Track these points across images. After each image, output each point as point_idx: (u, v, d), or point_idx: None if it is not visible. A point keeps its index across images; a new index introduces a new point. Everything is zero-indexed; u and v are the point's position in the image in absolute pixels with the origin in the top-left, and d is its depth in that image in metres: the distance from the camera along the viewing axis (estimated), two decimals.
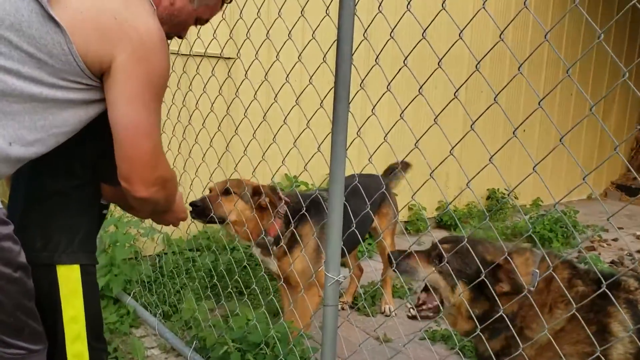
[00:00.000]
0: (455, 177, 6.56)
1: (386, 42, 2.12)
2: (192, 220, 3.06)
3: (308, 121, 2.33)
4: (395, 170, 4.12)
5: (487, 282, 1.96)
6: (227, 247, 4.27)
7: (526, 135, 7.20)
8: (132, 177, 1.66)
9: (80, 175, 1.85)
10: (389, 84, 2.03)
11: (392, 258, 2.28)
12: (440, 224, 6.59)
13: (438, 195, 6.60)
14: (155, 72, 1.61)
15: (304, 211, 2.79)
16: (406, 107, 2.02)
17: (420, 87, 1.93)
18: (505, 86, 1.97)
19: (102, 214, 2.02)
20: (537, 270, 2.05)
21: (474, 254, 1.98)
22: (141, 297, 3.87)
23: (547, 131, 7.53)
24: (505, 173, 6.82)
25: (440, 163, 2.08)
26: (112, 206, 4.06)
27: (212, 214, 3.03)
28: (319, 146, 2.26)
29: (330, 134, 2.09)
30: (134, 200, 1.76)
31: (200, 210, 3.04)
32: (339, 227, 2.14)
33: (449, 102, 1.84)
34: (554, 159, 7.57)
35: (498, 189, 7.04)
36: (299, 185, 5.25)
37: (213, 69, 3.14)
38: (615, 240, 6.37)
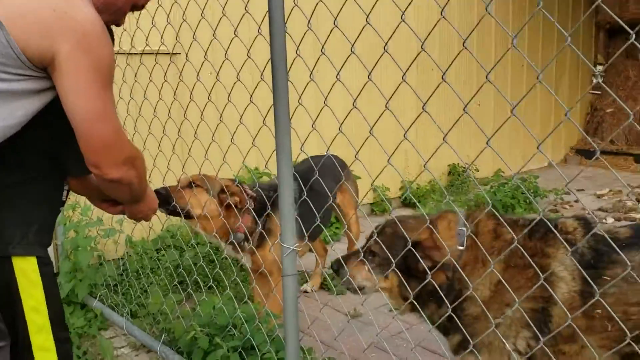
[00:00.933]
0: (415, 155, 6.62)
1: (317, 59, 2.14)
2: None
3: (251, 95, 2.34)
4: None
5: (411, 264, 2.04)
6: (193, 242, 4.24)
7: (482, 109, 7.31)
8: (101, 163, 1.69)
9: (36, 167, 1.82)
10: (338, 73, 2.03)
11: (334, 271, 2.36)
12: (405, 202, 6.65)
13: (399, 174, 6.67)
14: (101, 60, 1.63)
15: (269, 206, 2.77)
16: (357, 96, 2.01)
17: (370, 74, 1.94)
18: (452, 63, 2.00)
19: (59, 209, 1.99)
20: (463, 229, 2.07)
21: (395, 238, 2.02)
22: (108, 299, 3.82)
23: (503, 104, 7.67)
24: (466, 147, 7.00)
25: (395, 149, 2.08)
26: (69, 211, 4.03)
27: (174, 203, 2.99)
28: (264, 119, 2.26)
29: (273, 107, 2.10)
30: (108, 185, 1.77)
31: (163, 198, 2.99)
32: (290, 197, 2.15)
33: (398, 86, 1.85)
34: (512, 129, 7.70)
35: (458, 164, 7.14)
36: (261, 177, 5.24)
37: (154, 67, 3.09)
38: (577, 201, 6.51)
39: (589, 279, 1.69)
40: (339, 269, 2.31)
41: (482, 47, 7.35)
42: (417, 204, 2.33)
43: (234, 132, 2.47)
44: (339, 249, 5.00)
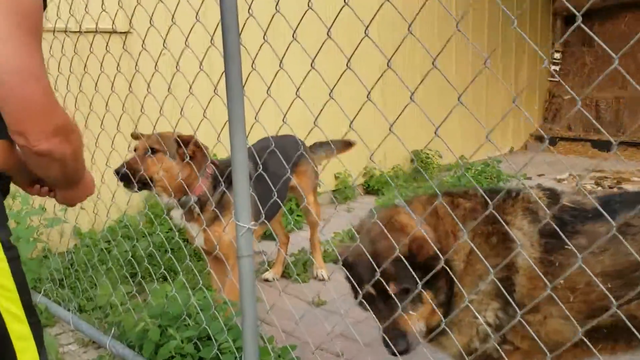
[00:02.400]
0: (378, 141, 6.49)
1: (272, 17, 1.94)
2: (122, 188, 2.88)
3: (201, 62, 2.14)
4: (323, 147, 3.97)
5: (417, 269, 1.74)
6: (146, 233, 4.01)
7: (445, 97, 7.24)
8: (28, 128, 1.38)
9: None
10: (281, 62, 1.86)
11: (392, 345, 1.83)
12: (367, 189, 6.53)
13: (363, 161, 6.54)
14: (23, 1, 1.38)
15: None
16: (300, 85, 1.85)
17: (312, 61, 1.78)
18: (396, 51, 1.82)
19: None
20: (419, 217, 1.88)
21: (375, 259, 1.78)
22: (53, 294, 3.56)
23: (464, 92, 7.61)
24: (429, 134, 6.86)
25: (345, 135, 1.92)
26: (9, 200, 3.74)
27: (140, 177, 2.80)
28: (215, 88, 2.07)
29: (224, 72, 1.91)
30: (36, 161, 1.51)
31: (126, 176, 2.80)
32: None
33: (343, 73, 1.71)
34: (477, 116, 7.67)
35: (422, 150, 7.05)
36: (215, 156, 5.02)
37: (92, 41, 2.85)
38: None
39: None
40: (405, 343, 1.82)
41: (427, 31, 7.27)
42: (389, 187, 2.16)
43: (183, 104, 2.27)
44: (302, 237, 4.85)
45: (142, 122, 2.56)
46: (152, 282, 3.54)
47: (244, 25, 1.91)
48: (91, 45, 2.75)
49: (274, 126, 2.26)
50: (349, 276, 1.93)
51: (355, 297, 1.94)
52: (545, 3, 9.16)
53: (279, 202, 3.24)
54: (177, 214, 3.03)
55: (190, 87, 2.18)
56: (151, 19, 2.27)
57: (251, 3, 1.88)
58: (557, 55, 9.28)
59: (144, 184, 2.84)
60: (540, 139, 9.15)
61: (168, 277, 3.08)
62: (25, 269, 3.49)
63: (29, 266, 3.50)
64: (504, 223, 1.63)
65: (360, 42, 1.70)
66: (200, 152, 2.88)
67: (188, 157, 2.69)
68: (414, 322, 1.80)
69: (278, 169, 2.73)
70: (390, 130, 1.70)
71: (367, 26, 1.63)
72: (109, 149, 2.84)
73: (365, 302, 1.90)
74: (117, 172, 2.79)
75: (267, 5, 1.99)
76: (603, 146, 8.46)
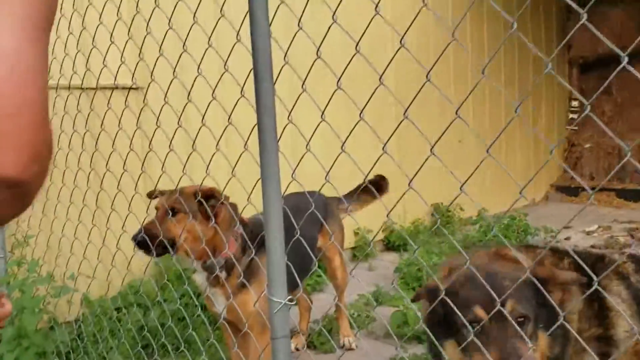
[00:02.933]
0: (399, 193, 6.25)
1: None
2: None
3: (229, 116, 1.92)
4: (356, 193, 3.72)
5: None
6: (160, 299, 3.73)
7: (463, 147, 7.04)
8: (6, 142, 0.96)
9: None
10: (323, 112, 1.67)
11: None
12: (388, 245, 6.24)
13: (382, 215, 6.27)
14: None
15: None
16: (310, 138, 1.66)
17: (322, 113, 1.60)
18: (414, 98, 1.62)
19: None
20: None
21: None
22: None
23: (482, 141, 7.43)
24: (449, 186, 6.59)
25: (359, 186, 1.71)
26: (14, 267, 3.50)
27: (160, 242, 2.53)
28: (246, 143, 1.85)
29: (257, 125, 1.69)
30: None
31: (144, 242, 2.53)
32: (280, 237, 1.72)
33: (356, 125, 1.51)
34: (494, 167, 7.44)
35: (442, 203, 6.79)
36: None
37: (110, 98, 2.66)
38: (567, 238, 6.22)
39: None
40: None
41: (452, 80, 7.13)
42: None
43: (209, 161, 2.04)
44: (323, 300, 4.54)
45: (163, 182, 2.32)
46: (166, 354, 3.25)
47: (279, 73, 1.70)
48: (109, 101, 2.56)
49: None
50: (451, 303, 1.56)
51: (446, 330, 1.60)
52: (561, 52, 9.07)
53: (306, 267, 2.98)
54: (201, 278, 2.75)
55: (217, 143, 1.96)
56: (174, 70, 2.07)
57: (288, 49, 1.67)
58: (575, 104, 9.11)
59: (164, 249, 2.58)
60: (561, 189, 8.87)
61: (185, 350, 2.79)
62: (29, 343, 3.22)
63: (32, 340, 3.21)
64: (602, 291, 1.36)
65: (375, 91, 1.51)
66: (223, 209, 2.60)
67: (213, 219, 2.46)
68: (530, 354, 1.50)
69: (305, 230, 2.47)
70: (409, 185, 1.48)
71: (382, 74, 1.42)
72: (126, 212, 2.59)
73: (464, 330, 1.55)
74: (134, 238, 2.53)
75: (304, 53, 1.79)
76: (629, 195, 8.17)
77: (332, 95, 1.64)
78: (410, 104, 1.52)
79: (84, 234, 2.85)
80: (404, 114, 1.49)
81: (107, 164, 2.44)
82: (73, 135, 2.80)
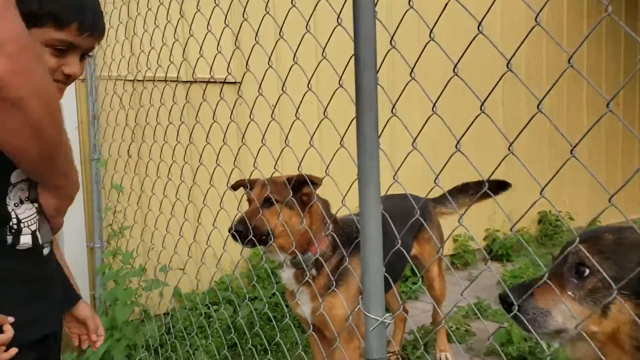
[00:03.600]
0: (503, 200, 5.84)
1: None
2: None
3: (325, 108, 1.74)
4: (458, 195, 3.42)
5: None
6: (247, 298, 3.65)
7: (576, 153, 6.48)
8: None
9: None
10: (434, 105, 1.44)
11: (511, 300, 1.45)
12: (490, 254, 5.84)
13: (484, 222, 5.90)
14: None
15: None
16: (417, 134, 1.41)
17: (434, 104, 1.36)
18: (546, 95, 1.35)
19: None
20: None
21: (627, 247, 1.28)
22: None
23: (594, 144, 6.81)
24: (559, 193, 6.10)
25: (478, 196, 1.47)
26: (109, 258, 3.53)
27: (260, 233, 2.37)
28: (342, 139, 1.65)
29: (355, 119, 1.49)
30: None
31: (241, 234, 2.35)
32: (379, 248, 1.51)
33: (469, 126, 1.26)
34: (608, 173, 6.82)
35: (550, 211, 6.29)
36: None
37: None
38: None
39: None
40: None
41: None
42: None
43: (302, 157, 1.87)
44: (419, 309, 4.29)
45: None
46: (252, 354, 3.15)
47: (383, 61, 1.49)
48: (204, 92, 2.47)
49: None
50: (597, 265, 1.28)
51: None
52: None
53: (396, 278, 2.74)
54: (287, 275, 2.55)
55: (311, 138, 1.78)
56: (270, 59, 1.92)
57: (394, 32, 1.46)
58: None
59: (260, 241, 2.41)
60: None
61: (272, 354, 2.67)
62: (120, 335, 3.23)
63: (124, 332, 3.21)
64: None
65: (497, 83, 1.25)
66: (315, 203, 2.36)
67: (306, 207, 2.33)
68: None
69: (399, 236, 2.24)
70: (542, 194, 1.22)
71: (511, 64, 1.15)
72: (217, 208, 2.48)
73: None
74: (230, 229, 2.36)
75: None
76: None
77: (445, 86, 1.41)
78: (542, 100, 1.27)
79: (175, 228, 2.78)
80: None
81: (200, 157, 2.34)
82: (168, 127, 2.74)
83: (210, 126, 2.31)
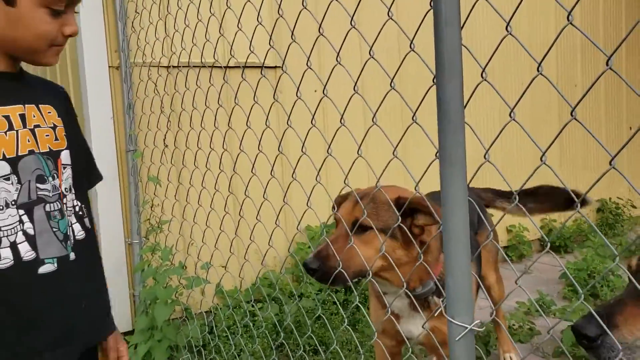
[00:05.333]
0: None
1: None
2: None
3: (392, 79, 1.48)
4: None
5: None
6: (294, 293, 3.43)
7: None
8: None
9: None
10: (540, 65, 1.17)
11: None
12: (545, 246, 5.48)
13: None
14: None
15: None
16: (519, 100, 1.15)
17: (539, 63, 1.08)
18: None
19: None
20: None
21: None
22: None
23: None
24: (617, 178, 5.69)
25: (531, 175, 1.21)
26: (148, 254, 3.35)
27: (338, 270, 1.77)
28: (414, 115, 1.39)
29: (435, 86, 1.23)
30: None
31: (320, 273, 1.81)
32: (466, 244, 1.25)
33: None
34: None
35: (610, 199, 5.89)
36: None
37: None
38: None
39: None
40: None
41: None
42: None
43: (362, 140, 1.61)
44: (478, 304, 4.00)
45: (302, 166, 1.92)
46: (302, 357, 2.93)
47: (467, 17, 1.23)
48: (242, 73, 2.24)
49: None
50: None
51: None
52: None
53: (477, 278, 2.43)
54: (401, 304, 2.03)
55: (374, 116, 1.52)
56: (321, 24, 1.67)
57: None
58: None
59: (347, 280, 1.84)
60: None
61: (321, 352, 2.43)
62: (161, 336, 3.04)
63: (165, 332, 3.03)
64: None
65: None
66: (434, 228, 1.84)
67: (418, 243, 1.75)
68: None
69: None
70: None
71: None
72: (260, 199, 2.25)
73: None
74: (305, 264, 1.82)
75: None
76: None
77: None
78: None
79: (216, 221, 2.57)
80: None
81: (240, 144, 2.10)
82: (205, 112, 2.51)
83: (251, 109, 2.08)
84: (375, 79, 3.18)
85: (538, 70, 1.11)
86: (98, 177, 1.62)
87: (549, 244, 1.30)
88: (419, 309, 1.96)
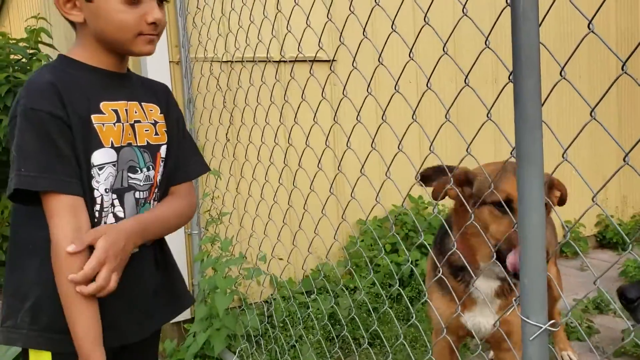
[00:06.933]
0: (616, 183, 5.33)
1: None
2: None
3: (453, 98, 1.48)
4: None
5: None
6: (346, 290, 3.46)
7: None
8: None
9: None
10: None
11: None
12: (602, 242, 5.36)
13: (595, 207, 5.41)
14: None
15: None
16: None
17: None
18: None
19: None
20: None
21: None
22: (249, 356, 3.12)
23: None
24: None
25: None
26: (208, 244, 3.44)
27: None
28: (488, 112, 1.40)
29: (513, 81, 1.23)
30: None
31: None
32: (541, 238, 1.26)
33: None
34: None
35: None
36: (426, 207, 4.35)
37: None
38: None
39: None
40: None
41: None
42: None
43: (403, 135, 1.62)
44: None
45: (347, 159, 1.92)
46: (351, 352, 2.97)
47: (547, 12, 1.22)
48: (291, 70, 2.27)
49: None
50: None
51: None
52: None
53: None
54: (486, 287, 1.99)
55: (414, 112, 1.52)
56: (364, 30, 1.68)
57: None
58: None
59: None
60: None
61: (369, 348, 2.45)
62: (220, 325, 3.13)
63: (224, 321, 3.11)
64: None
65: None
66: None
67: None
68: None
69: None
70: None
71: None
72: (307, 190, 2.28)
73: None
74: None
75: None
76: None
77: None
78: None
79: (279, 215, 2.62)
80: None
81: (307, 139, 2.13)
82: (270, 107, 2.56)
83: (318, 105, 2.11)
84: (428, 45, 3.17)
85: (623, 69, 1.10)
86: (200, 169, 1.67)
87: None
88: (498, 295, 1.97)
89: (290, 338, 3.11)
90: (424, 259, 3.89)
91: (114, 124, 1.37)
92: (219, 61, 3.32)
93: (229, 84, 3.17)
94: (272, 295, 3.56)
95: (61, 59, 1.40)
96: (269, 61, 2.83)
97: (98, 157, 1.33)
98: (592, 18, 1.14)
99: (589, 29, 1.16)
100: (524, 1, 1.18)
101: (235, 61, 3.11)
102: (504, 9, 1.25)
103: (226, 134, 3.23)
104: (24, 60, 4.80)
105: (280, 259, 2.92)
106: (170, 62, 3.42)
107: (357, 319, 2.60)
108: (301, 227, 2.30)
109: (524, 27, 1.18)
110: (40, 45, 4.96)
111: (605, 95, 1.21)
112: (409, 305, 2.08)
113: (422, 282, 3.50)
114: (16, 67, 4.66)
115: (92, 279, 1.22)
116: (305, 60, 2.32)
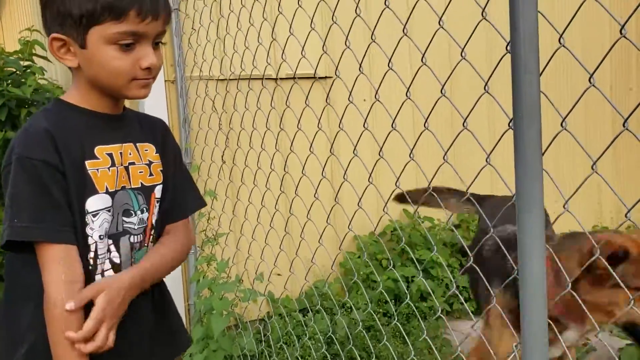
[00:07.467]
0: (610, 193, 5.34)
1: None
2: None
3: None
4: None
5: None
6: (351, 305, 3.45)
7: None
8: None
9: None
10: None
11: None
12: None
13: (590, 218, 5.42)
14: None
15: None
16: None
17: None
18: None
19: None
20: None
21: None
22: None
23: None
24: None
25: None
26: (204, 265, 3.42)
27: None
28: (497, 141, 1.39)
29: (513, 125, 1.23)
30: None
31: None
32: (542, 288, 1.25)
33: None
34: None
35: None
36: (423, 222, 4.35)
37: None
38: None
39: None
40: None
41: None
42: None
43: (415, 144, 1.62)
44: None
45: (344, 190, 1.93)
46: None
47: (548, 62, 1.21)
48: (309, 90, 2.26)
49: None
50: None
51: None
52: None
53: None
54: None
55: (445, 155, 1.52)
56: (361, 62, 1.68)
57: (564, 29, 1.18)
58: None
59: None
60: None
61: None
62: (217, 346, 3.11)
63: (220, 343, 3.09)
64: None
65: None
66: None
67: None
68: None
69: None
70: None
71: None
72: (324, 223, 2.27)
73: None
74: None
75: None
76: None
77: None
78: None
79: (275, 240, 2.61)
80: None
81: (303, 168, 2.12)
82: (266, 133, 2.55)
83: (316, 133, 2.10)
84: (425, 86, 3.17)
85: (624, 126, 1.10)
86: (197, 205, 1.66)
87: None
88: None
89: (290, 357, 3.09)
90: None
91: (109, 168, 1.36)
92: (214, 79, 3.31)
93: (224, 107, 3.16)
94: (268, 313, 3.55)
95: (57, 103, 1.39)
96: (265, 79, 2.82)
97: (92, 203, 1.32)
98: (593, 72, 1.13)
99: (590, 82, 1.15)
100: (525, 53, 1.17)
101: (231, 79, 3.10)
102: (503, 56, 1.24)
103: (222, 156, 3.22)
104: (17, 72, 4.75)
105: (279, 274, 2.91)
106: (165, 80, 3.41)
107: (352, 338, 2.60)
108: (298, 255, 2.29)
109: (526, 78, 1.17)
110: (34, 58, 4.91)
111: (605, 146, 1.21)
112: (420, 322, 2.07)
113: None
114: (9, 81, 4.61)
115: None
116: (303, 77, 2.32)
